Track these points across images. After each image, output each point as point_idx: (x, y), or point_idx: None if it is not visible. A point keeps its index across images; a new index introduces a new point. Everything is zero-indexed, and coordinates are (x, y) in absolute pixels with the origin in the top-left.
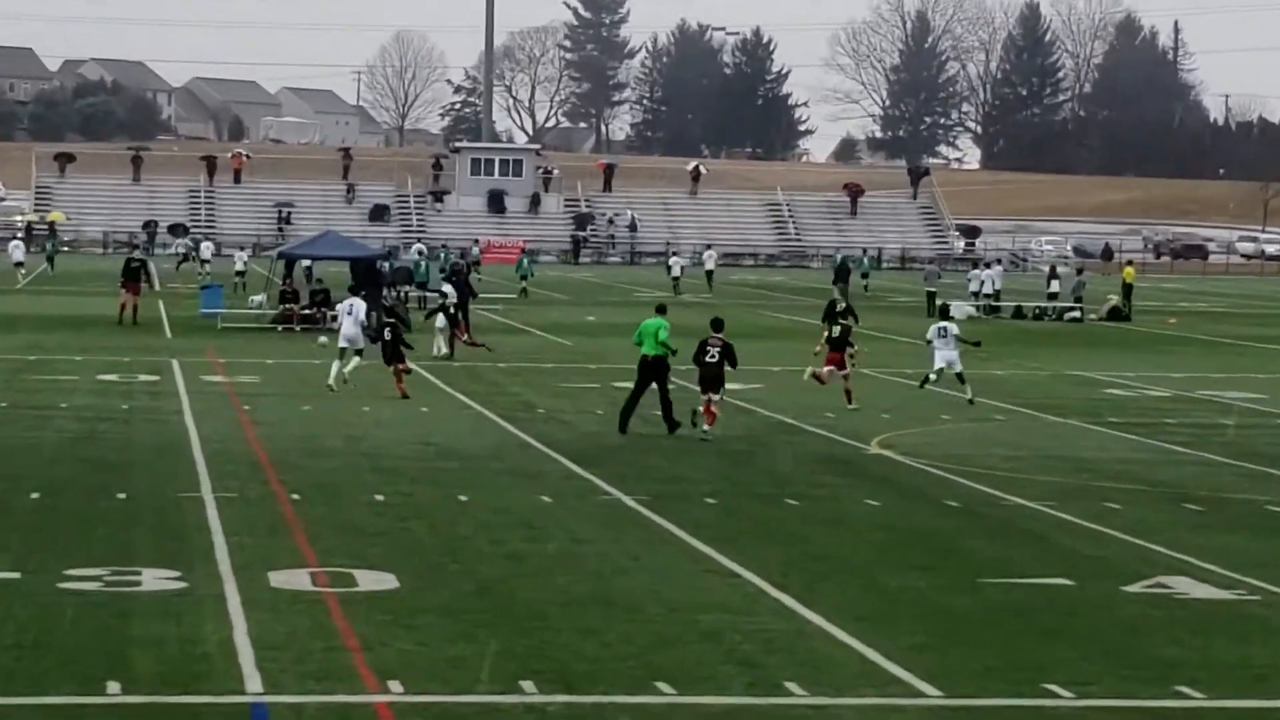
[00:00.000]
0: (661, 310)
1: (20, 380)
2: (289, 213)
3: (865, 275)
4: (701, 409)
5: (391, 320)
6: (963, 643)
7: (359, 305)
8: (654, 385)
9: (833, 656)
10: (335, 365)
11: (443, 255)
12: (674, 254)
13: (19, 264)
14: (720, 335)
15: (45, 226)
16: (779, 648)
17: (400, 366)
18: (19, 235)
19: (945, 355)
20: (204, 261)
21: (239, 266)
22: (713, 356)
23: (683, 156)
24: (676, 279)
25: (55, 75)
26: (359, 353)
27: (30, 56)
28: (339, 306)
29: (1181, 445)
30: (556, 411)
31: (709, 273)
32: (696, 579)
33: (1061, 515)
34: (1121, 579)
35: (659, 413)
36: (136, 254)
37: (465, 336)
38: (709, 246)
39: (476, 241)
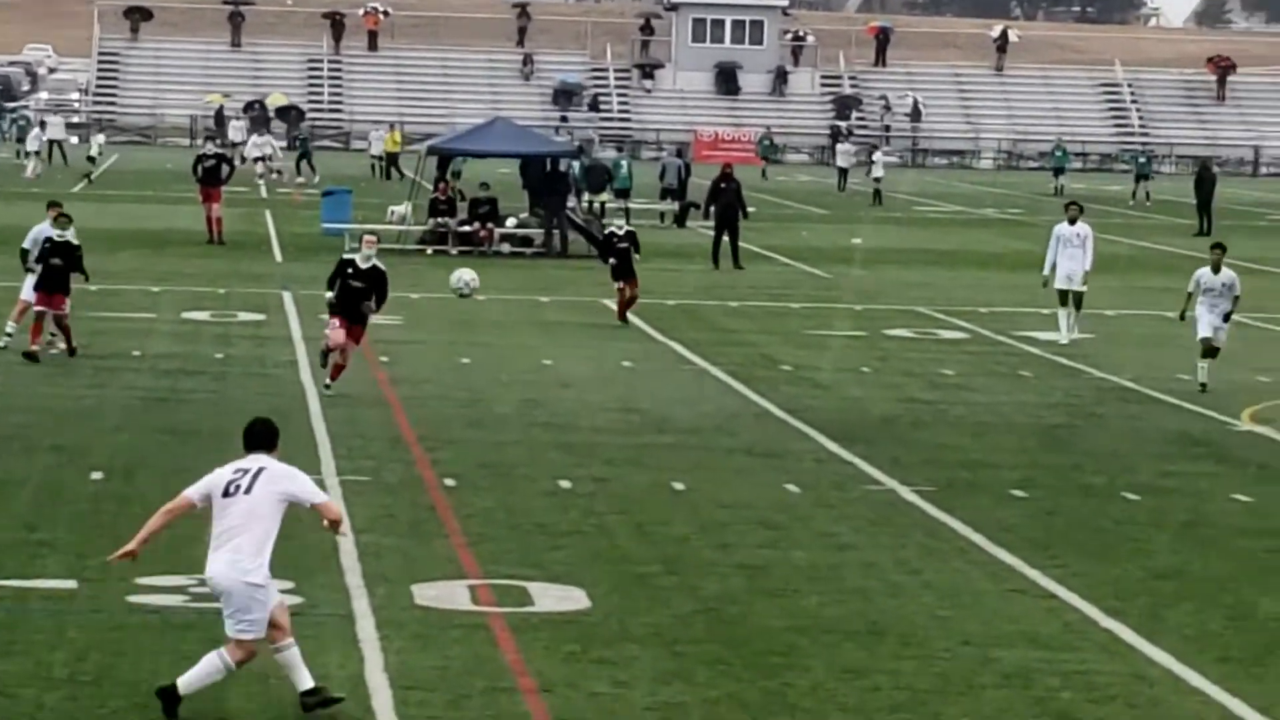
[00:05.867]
0: None
1: (77, 319)
2: None
3: (1144, 177)
4: None
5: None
6: None
7: None
8: None
9: (1185, 710)
10: None
11: (624, 164)
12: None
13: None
14: None
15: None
16: (1111, 696)
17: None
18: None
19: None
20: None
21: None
22: None
23: (985, 19)
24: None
25: None
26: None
27: None
28: None
29: None
30: (808, 369)
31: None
32: (998, 601)
33: None
34: None
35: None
36: (210, 147)
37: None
38: (875, 149)
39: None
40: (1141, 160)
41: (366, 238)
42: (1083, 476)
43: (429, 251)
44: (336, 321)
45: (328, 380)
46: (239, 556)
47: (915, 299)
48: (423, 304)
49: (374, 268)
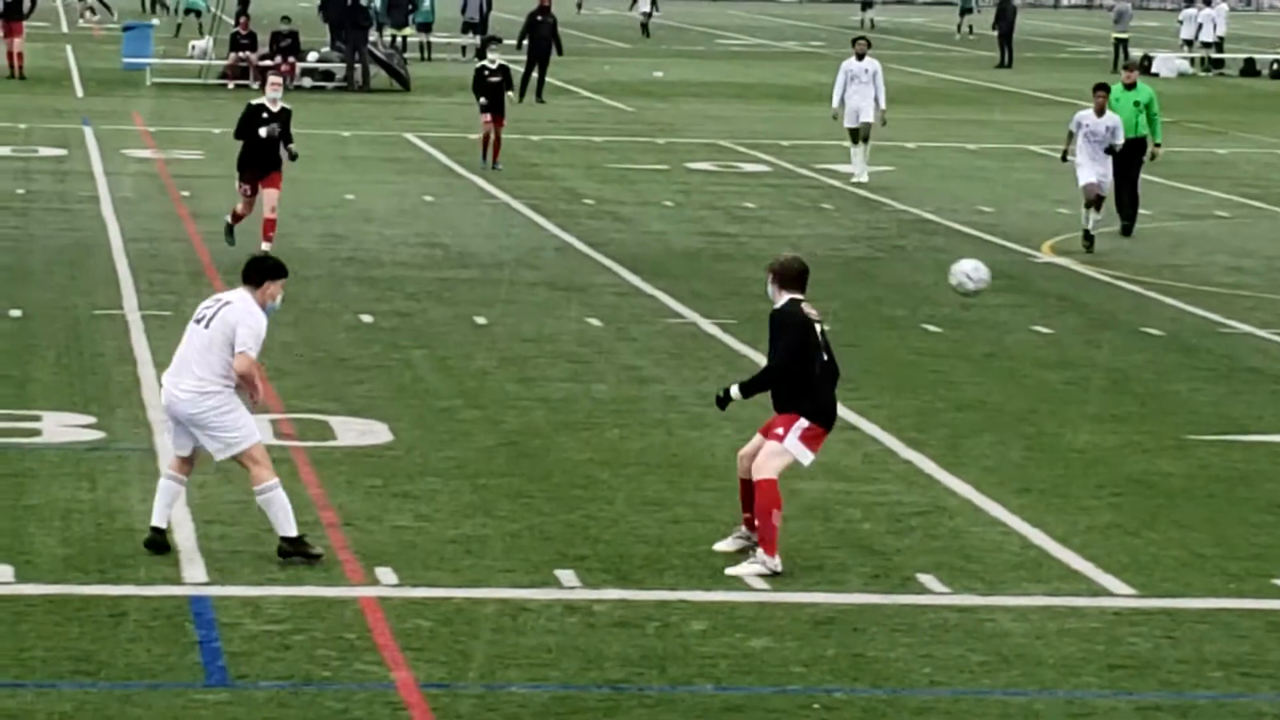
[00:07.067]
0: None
1: None
2: None
3: (968, 10)
4: None
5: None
6: (1165, 523)
7: None
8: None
9: (985, 540)
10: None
11: None
12: None
13: None
14: None
15: None
16: (911, 528)
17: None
18: None
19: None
20: None
21: None
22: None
23: None
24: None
25: None
26: None
27: None
28: None
29: None
30: (610, 203)
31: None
32: None
33: None
34: None
35: None
36: None
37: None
38: None
39: None
40: None
41: (273, 79)
42: (884, 309)
43: (230, 86)
44: (248, 188)
45: (252, 241)
46: (186, 379)
47: (717, 132)
48: (224, 138)
49: (283, 109)
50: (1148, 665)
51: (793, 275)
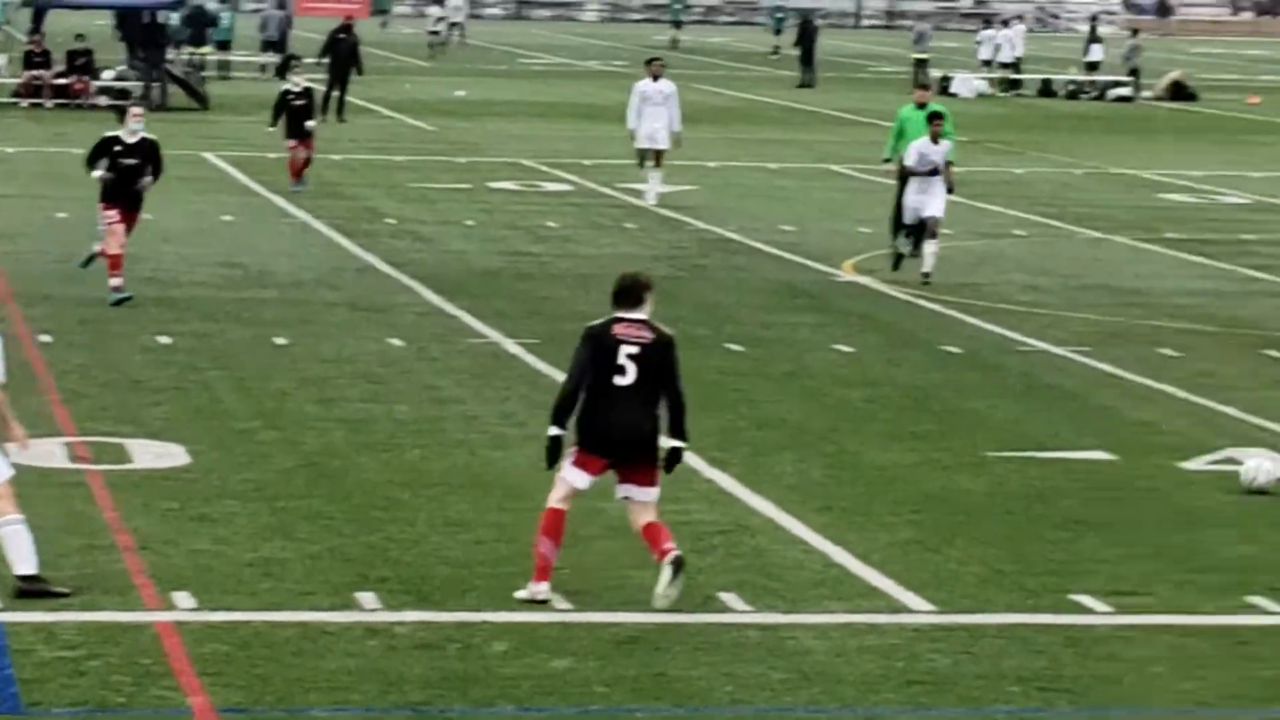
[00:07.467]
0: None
1: None
2: None
3: (780, 31)
4: None
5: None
6: (964, 539)
7: None
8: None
9: (786, 558)
10: None
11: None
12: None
13: None
14: None
15: None
16: (713, 547)
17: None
18: None
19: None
20: None
21: None
22: None
23: None
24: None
25: None
26: None
27: None
28: None
29: (1263, 270)
30: (411, 222)
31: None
32: None
33: (1100, 366)
34: (1178, 453)
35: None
36: None
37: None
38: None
39: None
40: (779, 15)
41: (134, 110)
42: (686, 328)
43: (24, 104)
44: (115, 215)
45: (114, 284)
46: None
47: (519, 151)
48: (18, 157)
49: (143, 140)
50: (946, 681)
51: (615, 291)
